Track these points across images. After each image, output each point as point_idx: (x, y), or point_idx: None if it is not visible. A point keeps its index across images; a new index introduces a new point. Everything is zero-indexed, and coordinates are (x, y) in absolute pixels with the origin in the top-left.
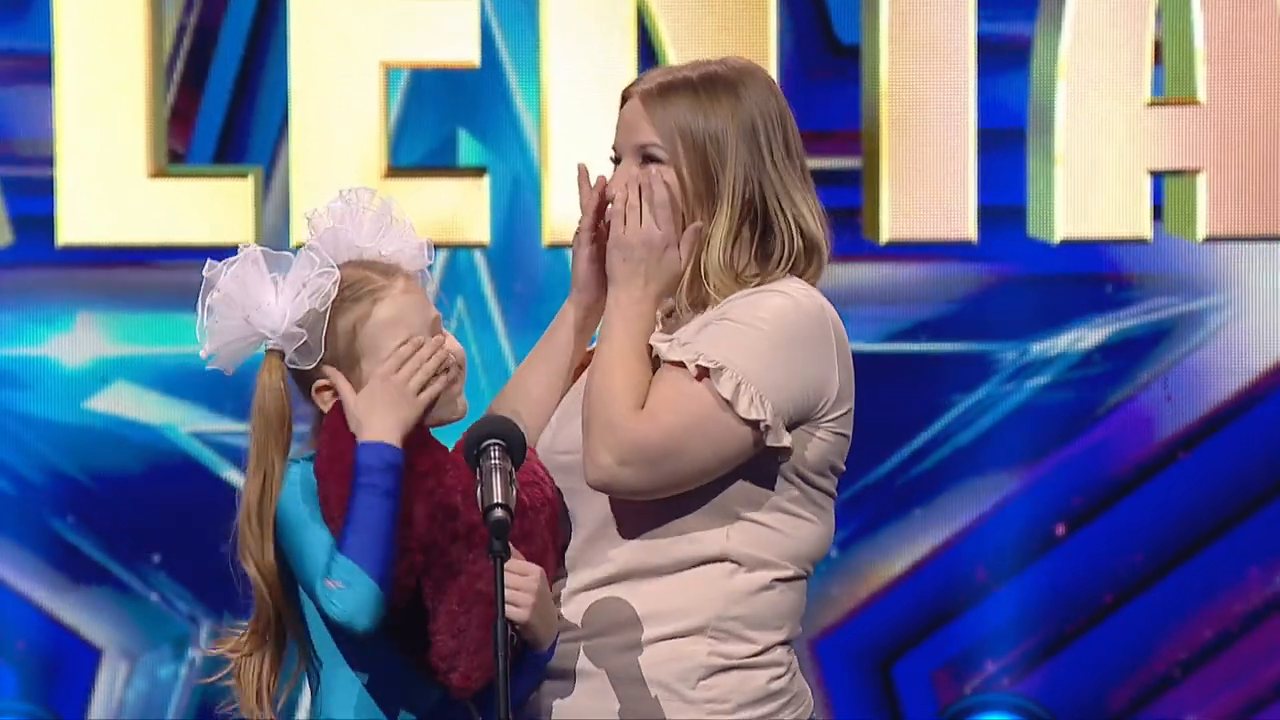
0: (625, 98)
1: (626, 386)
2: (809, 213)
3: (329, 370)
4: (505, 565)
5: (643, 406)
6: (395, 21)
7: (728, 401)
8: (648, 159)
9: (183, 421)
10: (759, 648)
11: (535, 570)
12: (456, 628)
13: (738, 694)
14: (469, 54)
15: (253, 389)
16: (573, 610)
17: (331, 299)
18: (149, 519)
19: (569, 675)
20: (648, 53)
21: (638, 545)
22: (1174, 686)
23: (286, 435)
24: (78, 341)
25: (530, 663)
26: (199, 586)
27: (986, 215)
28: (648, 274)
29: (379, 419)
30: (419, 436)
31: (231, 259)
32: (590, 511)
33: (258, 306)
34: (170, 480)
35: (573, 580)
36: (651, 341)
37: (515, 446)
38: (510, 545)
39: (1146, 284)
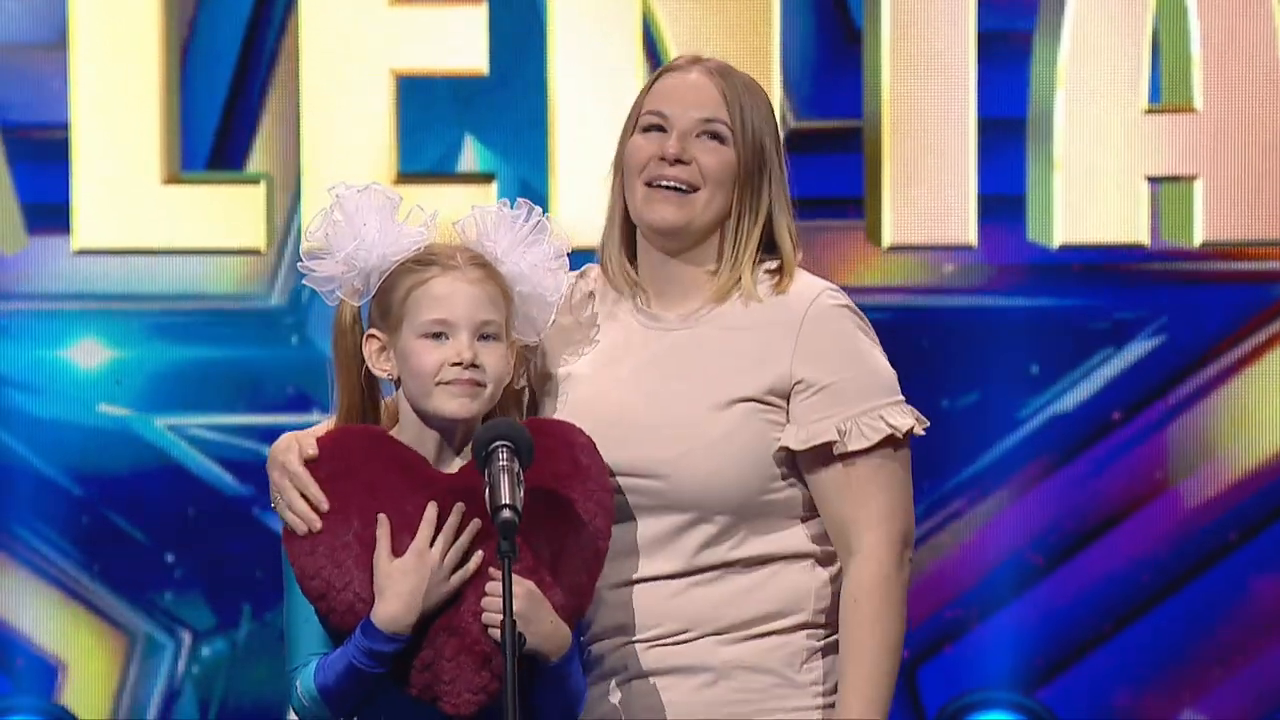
0: (676, 67)
1: (884, 613)
2: (792, 216)
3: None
4: (489, 584)
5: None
6: (405, 30)
7: (909, 434)
8: (711, 135)
9: (195, 425)
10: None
11: (524, 585)
12: (422, 662)
13: (833, 676)
14: (477, 62)
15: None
16: (668, 611)
17: (402, 258)
18: (160, 519)
19: (676, 671)
20: (653, 60)
21: (723, 547)
22: (1177, 687)
23: (355, 352)
24: (92, 345)
25: (547, 675)
26: (212, 586)
27: (987, 215)
28: None
29: (394, 596)
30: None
31: (366, 187)
32: (666, 520)
33: (364, 235)
34: (182, 482)
35: (664, 585)
36: (822, 439)
37: (523, 448)
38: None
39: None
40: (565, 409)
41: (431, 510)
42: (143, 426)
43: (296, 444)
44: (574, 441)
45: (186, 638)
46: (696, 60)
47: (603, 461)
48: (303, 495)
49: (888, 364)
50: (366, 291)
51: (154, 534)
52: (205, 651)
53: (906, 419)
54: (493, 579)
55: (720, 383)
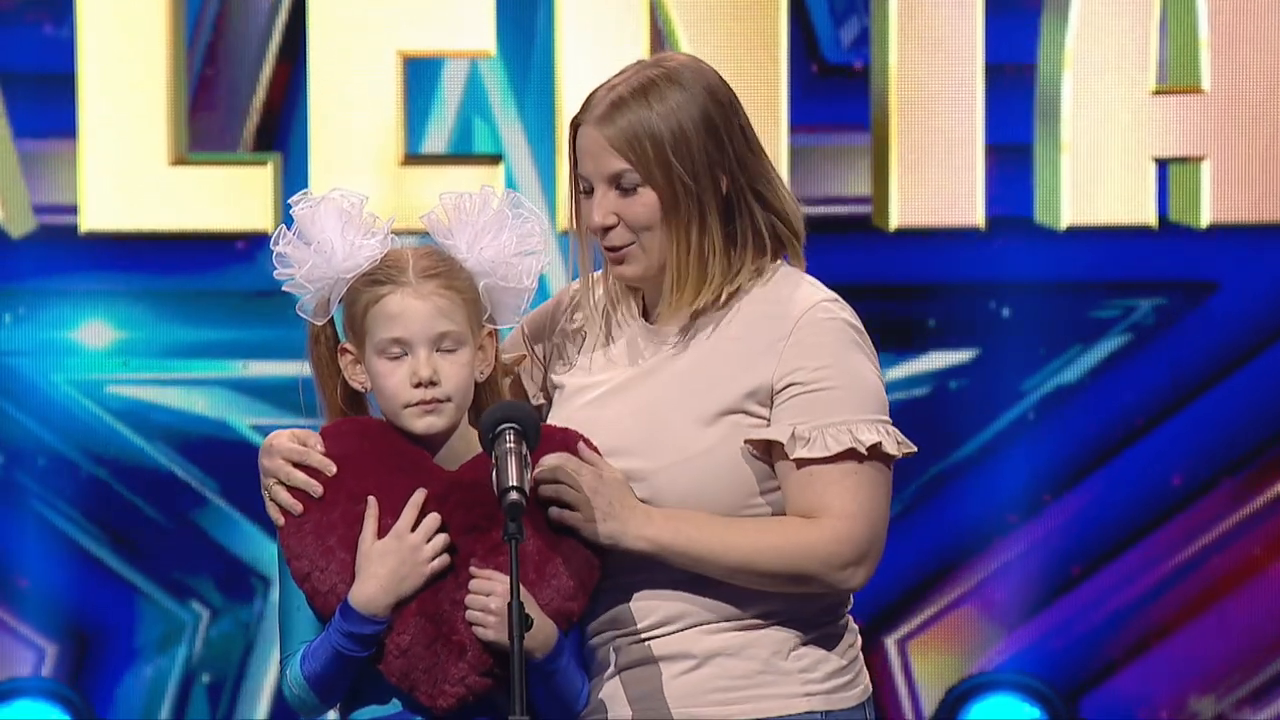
0: (576, 125)
1: (781, 533)
2: (786, 195)
3: None
4: (472, 582)
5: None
6: (412, 11)
7: (886, 454)
8: (622, 187)
9: (201, 404)
10: (837, 616)
11: (500, 587)
12: (399, 648)
13: (825, 663)
14: (485, 43)
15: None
16: (657, 606)
17: (358, 273)
18: (166, 501)
19: (660, 660)
20: (660, 38)
21: None
22: (1179, 665)
23: (331, 362)
24: (100, 326)
25: (534, 671)
26: (224, 563)
27: (994, 196)
28: (626, 505)
29: (370, 577)
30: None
31: (324, 197)
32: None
33: (321, 251)
34: (188, 461)
35: (657, 582)
36: (772, 437)
37: (530, 430)
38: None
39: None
40: (561, 419)
41: (418, 495)
42: (150, 406)
43: (288, 432)
44: (577, 451)
45: (203, 614)
46: (584, 111)
47: None
48: (303, 469)
49: (877, 381)
50: (329, 308)
51: (164, 512)
52: (217, 630)
53: (874, 435)
54: (474, 573)
55: (707, 395)
